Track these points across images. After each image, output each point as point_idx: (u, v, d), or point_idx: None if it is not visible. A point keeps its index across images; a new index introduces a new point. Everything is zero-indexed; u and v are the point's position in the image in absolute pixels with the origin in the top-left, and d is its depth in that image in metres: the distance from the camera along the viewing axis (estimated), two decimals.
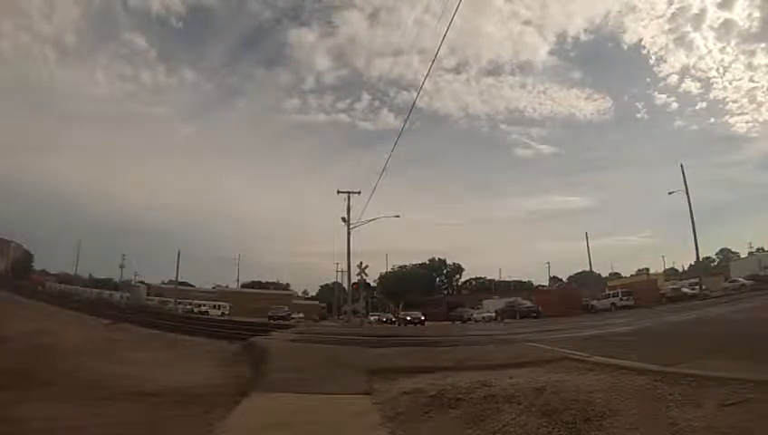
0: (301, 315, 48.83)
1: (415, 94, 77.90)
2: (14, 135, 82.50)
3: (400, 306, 56.94)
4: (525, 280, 75.86)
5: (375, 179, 54.78)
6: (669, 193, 35.74)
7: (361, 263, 35.46)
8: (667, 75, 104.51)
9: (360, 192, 33.83)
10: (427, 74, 33.76)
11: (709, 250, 67.15)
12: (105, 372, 6.08)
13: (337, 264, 58.14)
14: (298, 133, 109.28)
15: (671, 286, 37.33)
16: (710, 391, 3.79)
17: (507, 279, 73.55)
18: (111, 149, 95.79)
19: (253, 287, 74.63)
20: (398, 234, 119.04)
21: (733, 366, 4.72)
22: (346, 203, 33.88)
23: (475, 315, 41.01)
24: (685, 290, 34.08)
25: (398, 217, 36.92)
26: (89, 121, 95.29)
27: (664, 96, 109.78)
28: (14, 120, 78.71)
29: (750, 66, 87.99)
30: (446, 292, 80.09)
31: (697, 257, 36.01)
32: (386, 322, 40.79)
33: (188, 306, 48.40)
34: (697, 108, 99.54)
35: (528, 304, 37.59)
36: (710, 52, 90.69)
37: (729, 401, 3.48)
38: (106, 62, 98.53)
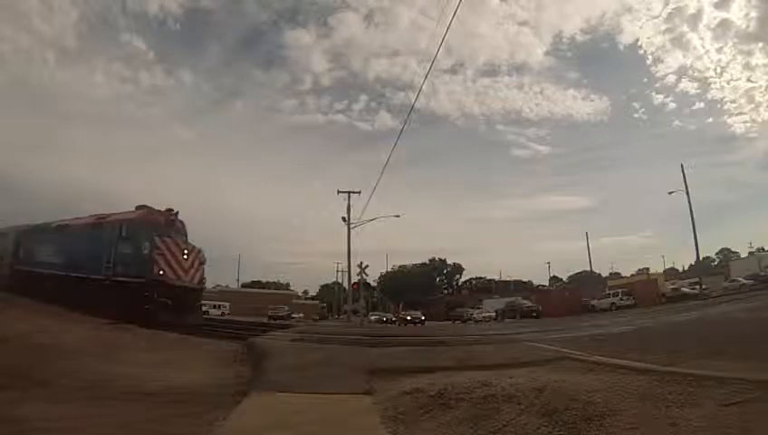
0: (301, 315, 48.82)
1: (411, 95, 78.57)
2: (14, 135, 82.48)
3: (400, 306, 56.99)
4: (525, 280, 75.97)
5: (375, 179, 54.79)
6: (669, 193, 35.84)
7: (361, 263, 35.57)
8: (665, 75, 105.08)
9: (360, 192, 33.93)
10: (426, 76, 33.79)
11: (709, 250, 67.31)
12: (105, 371, 6.08)
13: (337, 263, 58.31)
14: (297, 134, 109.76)
15: (671, 286, 37.37)
16: (710, 391, 3.79)
17: (507, 279, 73.62)
18: (111, 149, 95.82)
19: (253, 287, 74.61)
20: (398, 234, 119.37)
21: (733, 366, 4.72)
22: (346, 203, 33.99)
23: (475, 315, 41.03)
24: (685, 290, 34.12)
25: (398, 217, 37.09)
26: (89, 122, 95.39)
27: (661, 96, 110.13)
28: (14, 119, 78.72)
29: (747, 66, 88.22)
30: (446, 292, 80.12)
31: (697, 257, 36.08)
32: (386, 321, 40.76)
33: None
34: (695, 108, 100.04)
35: (528, 303, 37.67)
36: (707, 52, 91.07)
37: (729, 401, 3.48)
38: (105, 64, 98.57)
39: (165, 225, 16.35)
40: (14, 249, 19.94)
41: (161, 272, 14.66)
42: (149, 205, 16.98)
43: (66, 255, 17.04)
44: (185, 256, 15.77)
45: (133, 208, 17.07)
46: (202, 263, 16.68)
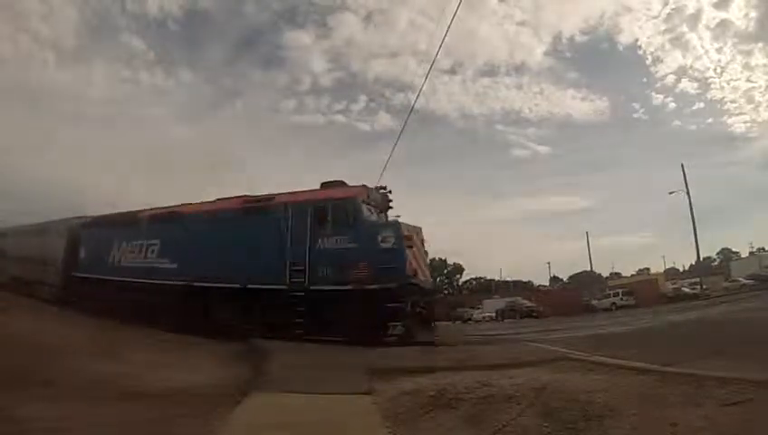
0: None
1: (411, 95, 78.85)
2: (13, 135, 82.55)
3: None
4: (525, 280, 75.94)
5: (375, 179, 54.73)
6: (670, 193, 35.89)
7: None
8: (664, 75, 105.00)
9: None
10: (427, 76, 33.83)
11: (709, 250, 67.34)
12: (106, 371, 6.08)
13: None
14: (297, 134, 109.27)
15: (672, 286, 37.44)
16: (710, 391, 3.80)
17: (507, 279, 73.62)
18: (111, 149, 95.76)
19: None
20: None
21: (733, 366, 4.72)
22: None
23: (475, 315, 41.07)
24: (685, 290, 34.17)
25: (398, 217, 37.00)
26: (88, 122, 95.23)
27: (661, 96, 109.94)
28: (13, 120, 78.80)
29: (747, 66, 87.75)
30: (446, 292, 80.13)
31: (698, 257, 36.10)
32: None
33: None
34: (695, 108, 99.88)
35: (528, 303, 37.70)
36: (707, 52, 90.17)
37: (729, 401, 3.49)
38: (105, 64, 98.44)
39: (384, 209, 11.85)
40: (69, 250, 15.64)
41: (415, 272, 10.14)
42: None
43: (184, 256, 12.38)
44: (425, 249, 11.17)
45: (314, 188, 11.80)
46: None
